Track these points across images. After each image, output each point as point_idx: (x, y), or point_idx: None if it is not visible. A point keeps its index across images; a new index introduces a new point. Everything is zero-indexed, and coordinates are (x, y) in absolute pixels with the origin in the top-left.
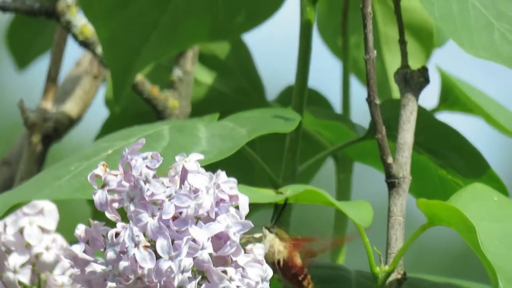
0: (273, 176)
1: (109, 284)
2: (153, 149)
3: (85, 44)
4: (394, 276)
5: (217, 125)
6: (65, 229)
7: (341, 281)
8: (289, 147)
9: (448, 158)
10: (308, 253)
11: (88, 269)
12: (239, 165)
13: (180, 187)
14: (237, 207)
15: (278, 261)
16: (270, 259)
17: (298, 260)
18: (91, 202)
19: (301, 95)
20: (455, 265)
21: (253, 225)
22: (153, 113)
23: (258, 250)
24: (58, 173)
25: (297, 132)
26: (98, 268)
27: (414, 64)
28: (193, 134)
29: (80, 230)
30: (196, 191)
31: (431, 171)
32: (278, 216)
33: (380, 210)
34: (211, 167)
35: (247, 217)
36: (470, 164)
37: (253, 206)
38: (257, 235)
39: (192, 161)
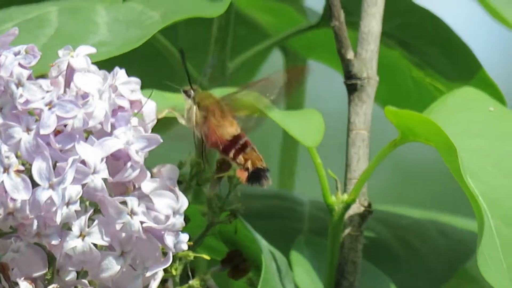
0: (195, 75)
1: None
2: (36, 38)
3: None
4: (355, 208)
5: (122, 7)
6: None
7: (290, 215)
8: (217, 37)
9: (427, 55)
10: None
11: None
12: (151, 62)
13: (65, 92)
14: (141, 117)
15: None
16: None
17: (225, 132)
18: None
19: None
20: (442, 194)
21: (162, 140)
22: None
23: (169, 172)
24: None
25: (228, 16)
26: None
27: None
28: (89, 19)
29: None
30: (85, 96)
31: (403, 71)
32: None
33: (340, 120)
34: (114, 65)
35: (160, 132)
36: (456, 64)
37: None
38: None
39: (80, 55)
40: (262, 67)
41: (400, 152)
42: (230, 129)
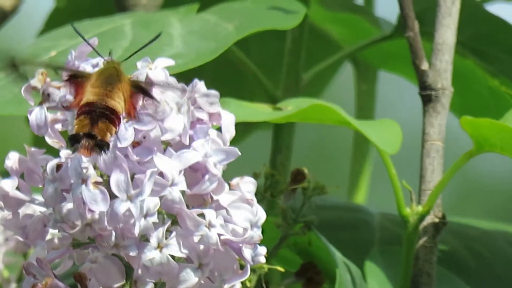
0: (270, 86)
1: (51, 231)
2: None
3: None
4: (429, 219)
5: (196, 19)
6: None
7: (361, 227)
8: (291, 49)
9: (502, 63)
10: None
11: (22, 212)
12: (225, 73)
13: (143, 104)
14: (219, 129)
15: None
16: None
17: (84, 99)
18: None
19: None
20: (507, 206)
21: (240, 153)
22: (112, 3)
23: (247, 185)
24: None
25: (302, 29)
26: (36, 210)
27: None
28: (163, 31)
29: (12, 159)
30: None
31: (478, 81)
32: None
33: (413, 132)
34: (186, 77)
35: (234, 142)
36: None
37: (244, 128)
38: None
39: (159, 68)
40: (334, 79)
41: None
42: (91, 97)
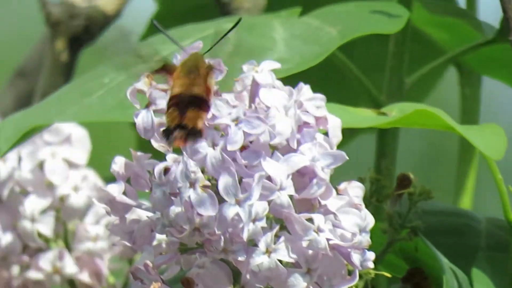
0: (374, 91)
1: (158, 236)
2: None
3: None
4: None
5: (299, 23)
6: (101, 163)
7: (467, 232)
8: (394, 53)
9: None
10: None
11: (129, 217)
12: (329, 78)
13: (250, 107)
14: (326, 133)
15: None
16: None
17: (171, 92)
18: (134, 126)
19: None
20: None
21: (347, 158)
22: (215, 6)
23: (355, 190)
24: (87, 87)
25: (405, 32)
26: (142, 215)
27: None
28: (266, 35)
29: (118, 164)
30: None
31: None
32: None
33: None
34: (290, 81)
35: (340, 146)
36: None
37: (348, 132)
38: None
39: (265, 71)
40: (438, 84)
41: None
42: (177, 89)
